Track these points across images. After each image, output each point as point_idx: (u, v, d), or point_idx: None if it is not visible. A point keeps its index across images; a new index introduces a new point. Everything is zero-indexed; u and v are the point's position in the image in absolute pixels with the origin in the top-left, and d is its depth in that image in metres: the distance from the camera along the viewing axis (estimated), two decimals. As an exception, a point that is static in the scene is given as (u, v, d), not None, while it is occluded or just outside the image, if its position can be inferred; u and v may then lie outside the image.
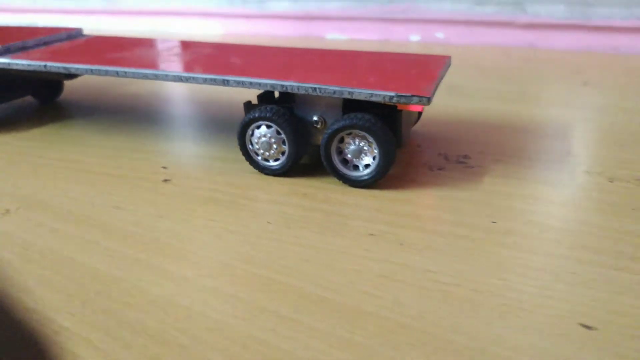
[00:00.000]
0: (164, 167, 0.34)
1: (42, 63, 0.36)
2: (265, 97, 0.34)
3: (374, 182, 0.30)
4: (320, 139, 0.31)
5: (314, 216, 0.28)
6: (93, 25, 0.94)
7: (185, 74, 0.32)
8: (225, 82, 0.31)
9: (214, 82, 0.32)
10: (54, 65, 0.36)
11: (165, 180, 0.32)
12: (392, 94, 0.28)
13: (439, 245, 0.25)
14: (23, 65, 0.37)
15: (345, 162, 0.31)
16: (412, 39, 0.72)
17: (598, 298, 0.21)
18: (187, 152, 0.37)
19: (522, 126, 0.39)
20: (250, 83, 0.31)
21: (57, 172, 0.34)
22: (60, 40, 0.44)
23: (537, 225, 0.26)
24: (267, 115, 0.30)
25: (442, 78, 0.32)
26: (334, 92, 0.29)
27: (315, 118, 0.31)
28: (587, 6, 0.62)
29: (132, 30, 0.90)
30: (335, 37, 0.77)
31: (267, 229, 0.26)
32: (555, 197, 0.29)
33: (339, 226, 0.26)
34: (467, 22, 0.68)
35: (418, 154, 0.35)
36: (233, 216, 0.28)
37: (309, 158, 0.34)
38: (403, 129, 0.31)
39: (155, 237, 0.26)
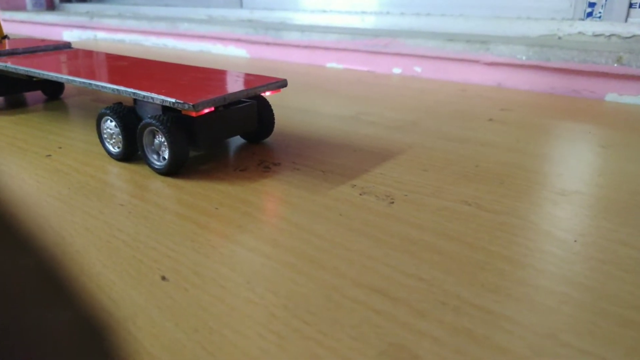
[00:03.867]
0: (60, 147, 0.45)
1: (3, 64, 0.49)
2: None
3: (168, 171, 0.37)
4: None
5: (101, 188, 0.36)
6: (160, 43, 1.11)
7: (71, 78, 0.43)
8: (89, 85, 0.41)
9: (84, 84, 0.41)
10: (10, 66, 0.48)
11: (48, 156, 0.43)
12: (173, 100, 0.35)
13: (152, 216, 0.31)
14: (-6, 65, 0.50)
15: (158, 153, 0.38)
16: (394, 72, 0.77)
17: (190, 260, 0.26)
18: (83, 137, 0.47)
19: (359, 146, 0.43)
20: (102, 86, 0.40)
21: (-6, 143, 0.46)
22: (46, 50, 0.57)
23: (243, 213, 0.31)
24: (107, 111, 0.39)
25: (250, 93, 0.38)
26: (134, 94, 0.37)
27: (148, 117, 0.39)
28: (546, 47, 0.61)
29: (185, 49, 1.05)
30: (334, 66, 0.84)
31: (59, 189, 0.35)
32: (293, 198, 0.33)
33: (107, 196, 0.34)
34: (440, 58, 0.71)
35: (241, 157, 0.41)
36: (55, 181, 0.37)
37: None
38: (208, 133, 0.38)
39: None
